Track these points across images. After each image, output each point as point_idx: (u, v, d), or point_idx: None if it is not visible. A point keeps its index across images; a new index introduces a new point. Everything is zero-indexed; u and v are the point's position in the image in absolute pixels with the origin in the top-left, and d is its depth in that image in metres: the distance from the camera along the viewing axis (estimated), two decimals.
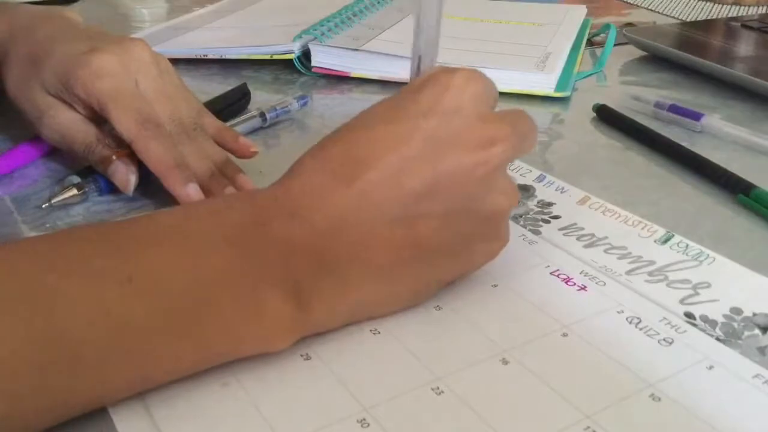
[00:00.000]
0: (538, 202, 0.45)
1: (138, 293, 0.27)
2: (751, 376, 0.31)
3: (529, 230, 0.42)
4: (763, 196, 0.44)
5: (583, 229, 0.42)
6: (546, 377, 0.31)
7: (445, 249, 0.32)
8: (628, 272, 0.38)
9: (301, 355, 0.31)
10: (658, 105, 0.57)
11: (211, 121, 0.48)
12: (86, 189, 0.44)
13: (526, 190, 0.46)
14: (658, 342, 0.33)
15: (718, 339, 0.33)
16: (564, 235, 0.42)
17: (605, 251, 0.40)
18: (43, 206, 0.43)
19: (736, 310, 0.35)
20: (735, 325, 0.34)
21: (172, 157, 0.42)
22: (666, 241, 0.41)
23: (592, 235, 0.41)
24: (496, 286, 0.37)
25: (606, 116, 0.57)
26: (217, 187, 0.42)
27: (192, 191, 0.41)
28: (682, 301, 0.36)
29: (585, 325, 0.34)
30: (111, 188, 0.44)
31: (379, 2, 0.81)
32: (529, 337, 0.33)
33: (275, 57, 0.67)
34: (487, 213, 0.33)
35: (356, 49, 0.65)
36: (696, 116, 0.55)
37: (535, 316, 0.34)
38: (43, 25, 0.48)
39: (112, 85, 0.42)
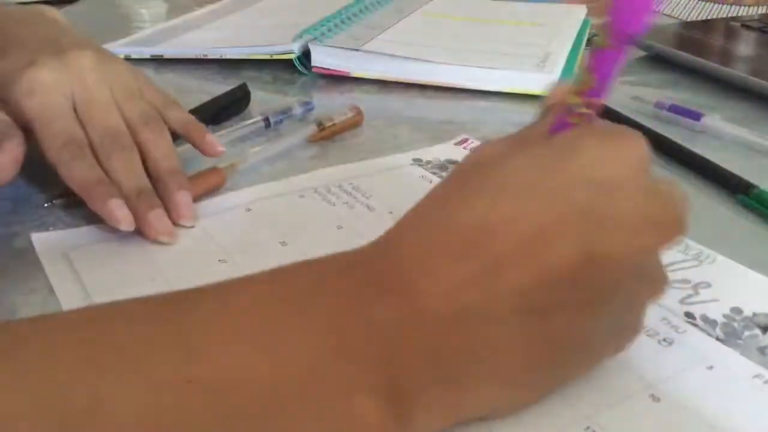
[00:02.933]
0: None
1: (199, 399, 0.22)
2: (751, 376, 0.31)
3: None
4: (763, 196, 0.44)
5: None
6: None
7: (579, 345, 0.27)
8: None
9: None
10: (658, 105, 0.57)
11: (176, 115, 0.46)
12: None
13: None
14: (658, 342, 0.33)
15: (718, 339, 0.33)
16: None
17: None
18: (45, 205, 0.43)
19: (737, 310, 0.35)
20: (735, 325, 0.34)
21: (95, 175, 0.40)
22: None
23: None
24: None
25: (606, 116, 0.57)
26: (143, 207, 0.40)
27: (114, 207, 0.39)
28: (682, 301, 0.36)
29: None
30: None
31: (379, 2, 0.81)
32: None
33: (275, 57, 0.67)
34: (632, 303, 0.28)
35: (356, 49, 0.65)
36: (696, 116, 0.55)
37: None
38: (5, 31, 0.46)
39: (40, 103, 0.41)
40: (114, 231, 0.40)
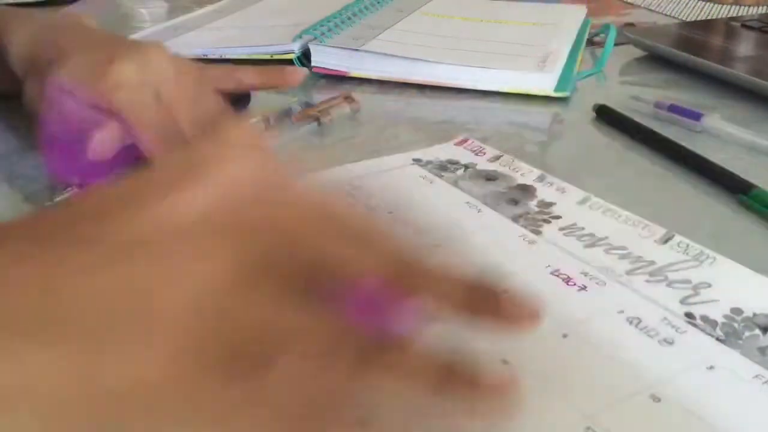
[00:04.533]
0: (538, 203, 0.45)
1: None
2: (751, 377, 0.31)
3: (530, 230, 0.42)
4: (763, 196, 0.44)
5: (583, 229, 0.42)
6: (546, 378, 0.31)
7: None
8: (629, 272, 0.38)
9: None
10: (658, 105, 0.57)
11: (243, 74, 0.52)
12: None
13: (526, 190, 0.47)
14: (659, 342, 0.33)
15: (718, 339, 0.33)
16: (564, 235, 0.42)
17: (605, 251, 0.40)
18: (46, 205, 0.43)
19: (737, 311, 0.35)
20: (735, 325, 0.34)
21: None
22: (666, 241, 0.41)
23: (593, 235, 0.41)
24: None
25: (606, 116, 0.57)
26: None
27: None
28: (682, 302, 0.36)
29: (585, 326, 0.34)
30: None
31: (379, 2, 0.81)
32: (529, 338, 0.33)
33: (275, 57, 0.67)
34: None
35: (356, 49, 0.65)
36: (696, 116, 0.55)
37: None
38: (65, 34, 0.48)
39: (131, 98, 0.43)
40: None
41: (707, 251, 0.40)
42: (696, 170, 0.49)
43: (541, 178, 0.48)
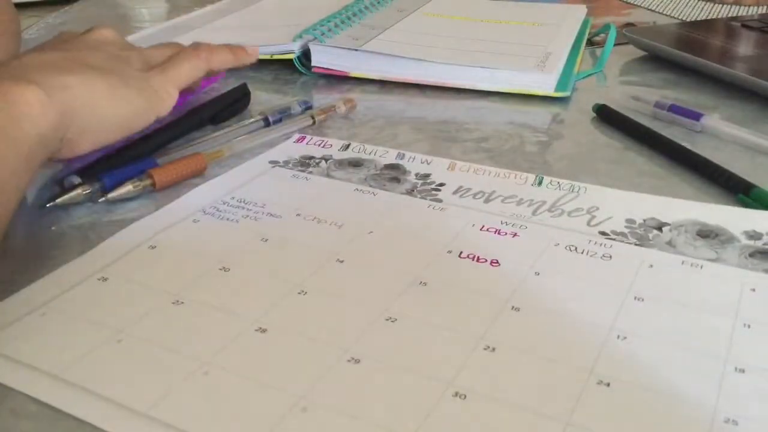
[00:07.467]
0: (416, 176, 0.47)
1: None
2: (679, 264, 0.38)
3: (431, 200, 0.44)
4: (763, 196, 0.44)
5: (470, 189, 0.45)
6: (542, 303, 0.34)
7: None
8: (534, 213, 0.42)
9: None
10: (658, 105, 0.57)
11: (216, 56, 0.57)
12: (91, 190, 0.44)
13: (397, 168, 0.48)
14: (602, 258, 0.38)
15: (636, 245, 0.39)
16: (461, 197, 0.44)
17: (503, 202, 0.43)
18: (48, 206, 0.43)
19: (630, 221, 0.41)
20: (639, 231, 0.40)
21: None
22: (540, 183, 0.46)
23: (482, 192, 0.45)
24: (450, 252, 0.39)
25: (606, 116, 0.57)
26: None
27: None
28: (589, 224, 0.41)
29: (543, 261, 0.38)
30: (114, 188, 0.44)
31: (379, 2, 0.81)
32: (512, 280, 0.36)
33: (275, 57, 0.67)
34: None
35: (356, 49, 0.65)
36: (696, 116, 0.55)
37: (497, 275, 0.37)
38: None
39: None
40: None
41: (577, 183, 0.45)
42: (696, 170, 0.49)
43: (400, 156, 0.49)
